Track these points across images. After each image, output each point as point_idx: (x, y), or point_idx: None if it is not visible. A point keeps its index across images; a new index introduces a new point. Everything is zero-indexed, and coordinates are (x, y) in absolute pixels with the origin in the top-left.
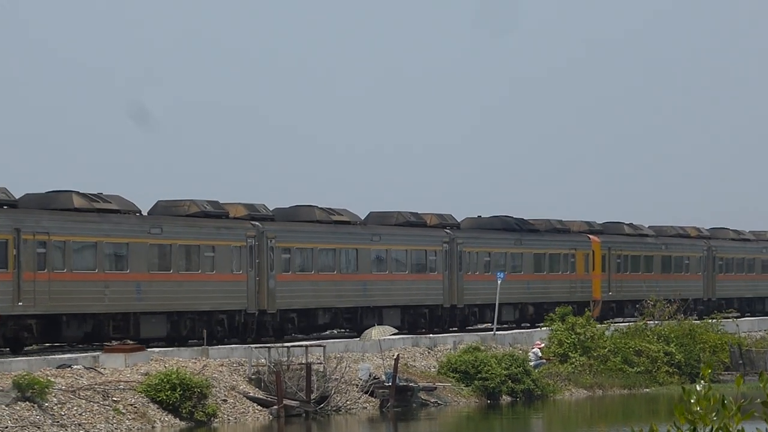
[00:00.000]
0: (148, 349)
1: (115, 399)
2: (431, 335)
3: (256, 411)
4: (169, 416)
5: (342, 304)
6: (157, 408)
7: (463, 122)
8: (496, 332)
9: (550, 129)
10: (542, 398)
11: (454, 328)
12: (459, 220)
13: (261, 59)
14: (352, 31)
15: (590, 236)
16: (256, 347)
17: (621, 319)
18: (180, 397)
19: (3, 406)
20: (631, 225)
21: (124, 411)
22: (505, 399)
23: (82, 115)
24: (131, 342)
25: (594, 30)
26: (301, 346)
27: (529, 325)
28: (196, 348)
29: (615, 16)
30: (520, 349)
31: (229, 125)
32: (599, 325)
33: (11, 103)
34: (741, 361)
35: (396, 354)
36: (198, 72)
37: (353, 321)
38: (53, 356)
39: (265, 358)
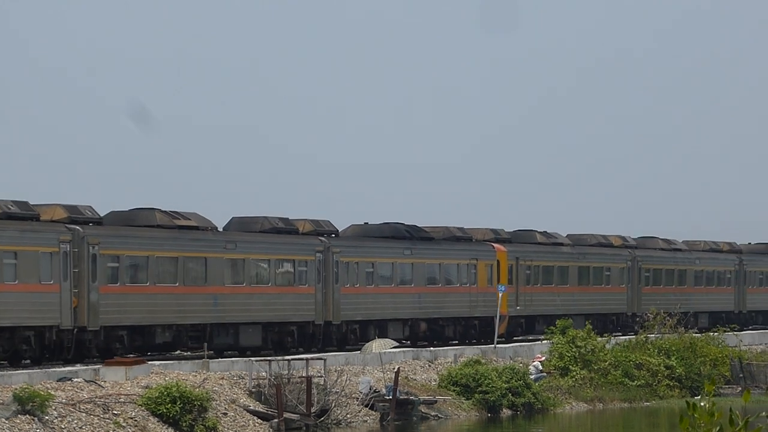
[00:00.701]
0: (149, 362)
1: (116, 412)
2: (431, 348)
3: (257, 424)
4: (170, 429)
5: (186, 320)
6: (158, 421)
7: (463, 140)
8: (497, 345)
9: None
10: (543, 411)
11: (331, 348)
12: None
13: (257, 70)
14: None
15: (495, 245)
16: (256, 360)
17: (532, 337)
18: (180, 411)
19: (3, 420)
20: (544, 233)
21: (124, 424)
22: (506, 412)
23: (82, 126)
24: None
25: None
26: (301, 359)
27: (427, 343)
28: (196, 361)
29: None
30: (521, 363)
31: (225, 141)
32: (599, 338)
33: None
34: (741, 375)
35: (396, 367)
36: (194, 87)
37: (201, 339)
38: (54, 369)
39: (266, 371)
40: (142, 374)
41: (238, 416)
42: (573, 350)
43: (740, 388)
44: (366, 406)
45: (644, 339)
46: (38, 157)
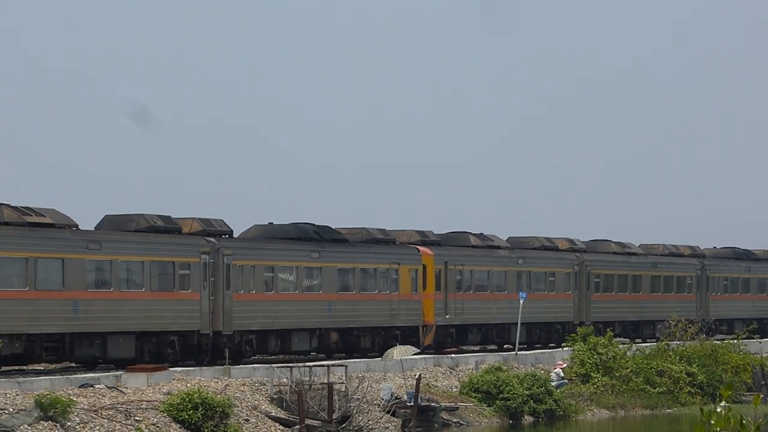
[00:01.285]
0: (170, 369)
1: (138, 418)
2: (453, 355)
3: (278, 431)
4: None
5: (40, 329)
6: (179, 427)
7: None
8: (518, 352)
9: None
10: (564, 418)
11: (221, 361)
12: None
13: (260, 70)
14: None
15: (421, 248)
16: (278, 367)
17: (465, 348)
18: (202, 417)
19: (25, 426)
20: (480, 235)
21: (146, 430)
22: (527, 419)
23: (82, 126)
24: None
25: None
26: (323, 365)
27: (344, 355)
28: (218, 367)
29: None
30: (542, 369)
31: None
32: (621, 345)
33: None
34: (763, 382)
35: (418, 374)
36: (196, 87)
37: (59, 351)
38: (75, 375)
39: (287, 378)
40: (164, 380)
41: (259, 422)
42: (594, 357)
43: (762, 396)
44: (387, 412)
45: (666, 346)
46: (32, 158)
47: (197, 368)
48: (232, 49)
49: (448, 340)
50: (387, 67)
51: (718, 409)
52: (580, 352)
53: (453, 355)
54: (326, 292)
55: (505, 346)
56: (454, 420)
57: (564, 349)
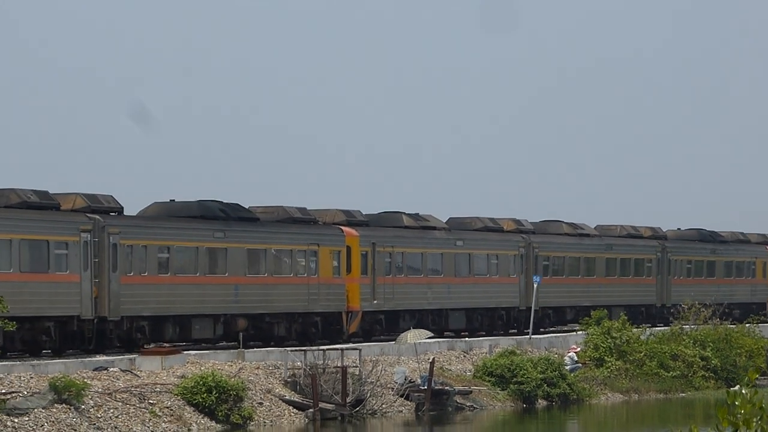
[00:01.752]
0: (185, 352)
1: (152, 402)
2: (467, 339)
3: (292, 414)
4: (205, 419)
5: None
6: (193, 410)
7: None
8: (532, 336)
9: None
10: (578, 402)
11: (111, 350)
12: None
13: (263, 61)
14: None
15: (345, 228)
16: (291, 350)
17: (395, 334)
18: (216, 400)
19: (40, 409)
20: (415, 216)
21: (160, 413)
22: (541, 403)
23: (81, 116)
24: (167, 345)
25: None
26: (336, 349)
27: (263, 343)
28: (232, 351)
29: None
30: (556, 353)
31: (227, 129)
32: (635, 329)
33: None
34: None
35: (431, 357)
36: (194, 76)
37: None
38: (90, 359)
39: (301, 361)
40: (178, 364)
41: (273, 406)
42: (608, 341)
43: None
44: (401, 396)
45: (679, 330)
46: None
47: (212, 351)
48: (231, 46)
49: (376, 327)
50: (386, 67)
51: (744, 391)
52: (594, 336)
53: (466, 339)
54: (232, 274)
55: (445, 333)
56: (468, 404)
57: (578, 332)
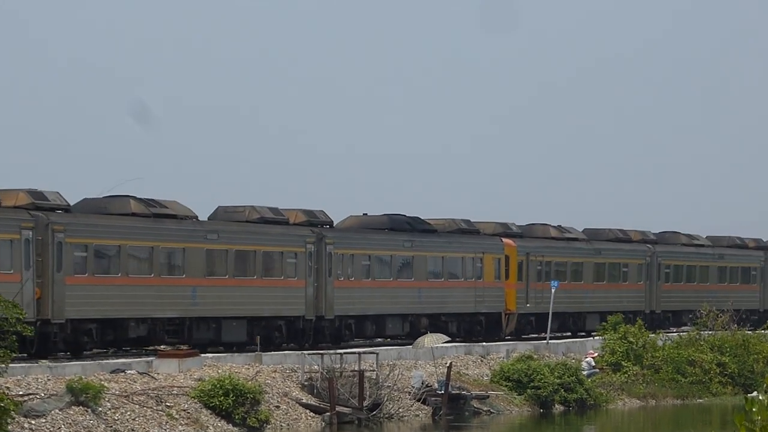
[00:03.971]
0: (202, 355)
1: (169, 404)
2: (484, 343)
3: (309, 417)
4: (222, 422)
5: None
6: (210, 413)
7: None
8: (549, 341)
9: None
10: (595, 408)
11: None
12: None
13: (259, 61)
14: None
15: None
16: (309, 354)
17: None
18: (233, 403)
19: (57, 410)
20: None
21: (177, 416)
22: (558, 408)
23: (84, 112)
24: (184, 347)
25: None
26: (354, 353)
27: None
28: (249, 354)
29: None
30: (573, 358)
31: (227, 127)
32: (651, 335)
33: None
34: None
35: (448, 362)
36: (195, 74)
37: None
38: (107, 361)
39: (318, 365)
40: (195, 366)
41: (290, 409)
42: (625, 345)
43: None
44: (418, 400)
45: (696, 335)
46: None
47: (228, 354)
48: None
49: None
50: (386, 67)
51: (761, 397)
52: (611, 341)
53: (484, 343)
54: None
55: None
56: (485, 408)
57: (595, 338)
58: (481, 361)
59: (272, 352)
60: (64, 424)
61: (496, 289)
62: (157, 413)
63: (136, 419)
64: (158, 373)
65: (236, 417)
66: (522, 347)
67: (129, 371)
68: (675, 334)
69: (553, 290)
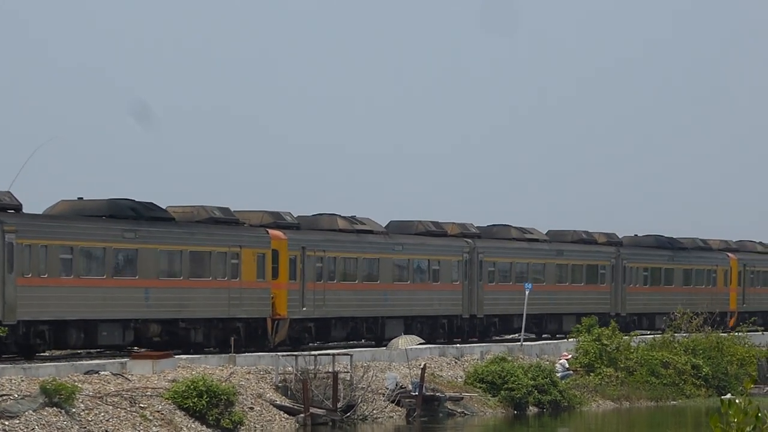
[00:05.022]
0: (175, 356)
1: (142, 405)
2: (458, 345)
3: (283, 419)
4: (196, 423)
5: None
6: (184, 415)
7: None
8: (523, 343)
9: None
10: (569, 409)
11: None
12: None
13: (261, 63)
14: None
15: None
16: (282, 355)
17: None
18: (207, 405)
19: (30, 411)
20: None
21: (151, 417)
22: (532, 410)
23: (84, 116)
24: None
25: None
26: (328, 354)
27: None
28: (223, 355)
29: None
30: (547, 360)
31: (227, 131)
32: (625, 337)
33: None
34: None
35: (423, 363)
36: (194, 76)
37: None
38: (81, 362)
39: (292, 366)
40: (169, 368)
41: (264, 411)
42: (598, 347)
43: (767, 388)
44: (392, 402)
45: (671, 337)
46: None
47: (202, 356)
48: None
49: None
50: (385, 67)
51: (737, 401)
52: (585, 343)
53: (458, 345)
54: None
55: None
56: (459, 410)
57: (569, 340)
58: (455, 362)
59: (246, 354)
60: (38, 425)
61: (259, 290)
62: (131, 414)
63: (110, 420)
64: (132, 374)
65: (210, 418)
66: (496, 349)
67: (103, 372)
68: (643, 336)
69: (527, 292)
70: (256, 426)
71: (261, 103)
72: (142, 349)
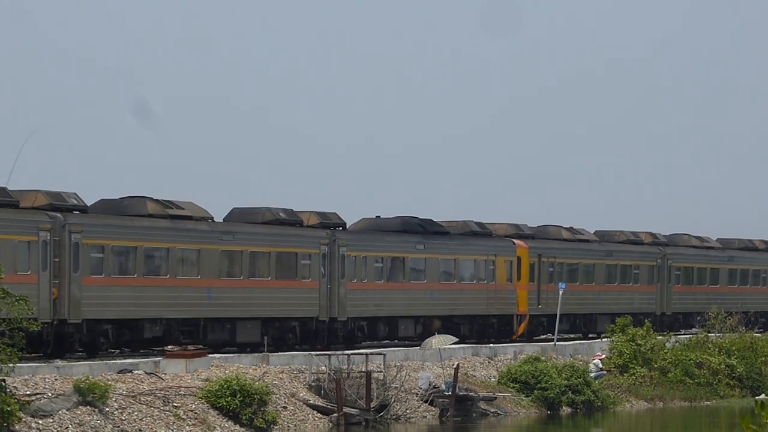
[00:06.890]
0: (209, 356)
1: (176, 404)
2: (491, 345)
3: (316, 418)
4: (229, 422)
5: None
6: (217, 414)
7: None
8: (557, 343)
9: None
10: (602, 410)
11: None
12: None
13: (265, 58)
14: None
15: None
16: (316, 354)
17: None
18: (240, 404)
19: (64, 410)
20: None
21: (184, 417)
22: (565, 410)
23: (85, 110)
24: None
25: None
26: (361, 354)
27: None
28: (256, 354)
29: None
30: (581, 360)
31: (232, 125)
32: (659, 337)
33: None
34: None
35: (456, 363)
36: (198, 71)
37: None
38: (114, 361)
39: (326, 366)
40: (203, 367)
41: (297, 410)
42: (633, 348)
43: None
44: (425, 401)
45: (705, 338)
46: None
47: (236, 355)
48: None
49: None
50: (386, 68)
51: None
52: (619, 343)
53: (491, 345)
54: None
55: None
56: (492, 410)
57: (603, 339)
58: (489, 362)
59: (280, 353)
60: (71, 424)
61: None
62: (164, 413)
63: (144, 419)
64: (165, 373)
65: (243, 418)
66: (529, 349)
67: (136, 371)
68: (684, 336)
69: (560, 292)
70: (290, 425)
71: (266, 96)
72: (193, 347)
